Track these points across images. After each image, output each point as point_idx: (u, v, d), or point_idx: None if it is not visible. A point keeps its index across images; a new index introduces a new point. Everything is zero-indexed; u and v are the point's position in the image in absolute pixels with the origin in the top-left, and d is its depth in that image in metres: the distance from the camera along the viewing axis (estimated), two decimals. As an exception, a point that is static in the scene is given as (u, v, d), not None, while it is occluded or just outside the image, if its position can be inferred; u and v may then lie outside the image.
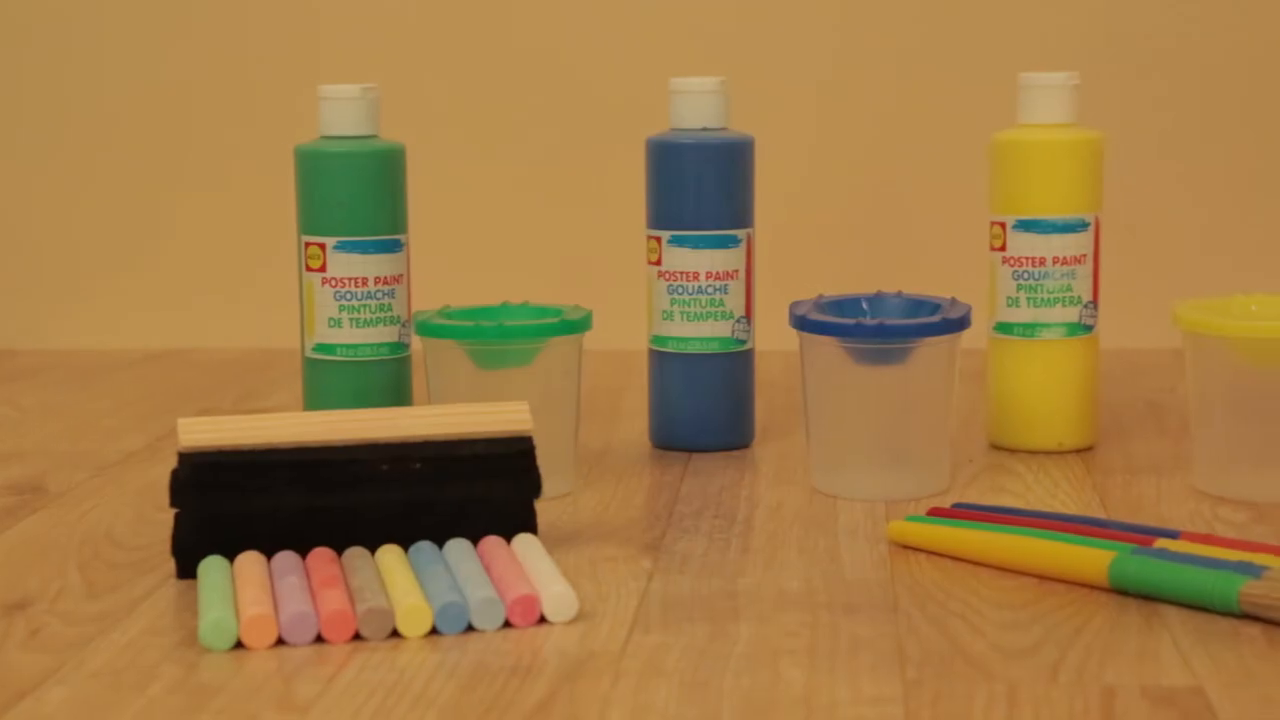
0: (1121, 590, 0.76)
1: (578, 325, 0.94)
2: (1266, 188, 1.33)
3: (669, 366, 1.04)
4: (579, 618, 0.74)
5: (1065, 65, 1.03)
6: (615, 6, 1.38)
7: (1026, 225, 1.00)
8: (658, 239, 1.03)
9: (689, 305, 1.02)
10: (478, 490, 0.81)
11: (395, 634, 0.73)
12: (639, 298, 1.07)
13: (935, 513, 0.87)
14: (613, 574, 0.81)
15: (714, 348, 1.03)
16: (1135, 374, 1.22)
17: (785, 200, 1.28)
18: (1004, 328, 1.02)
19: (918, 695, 0.66)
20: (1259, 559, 0.76)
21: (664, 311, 1.03)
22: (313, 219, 0.97)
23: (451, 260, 1.32)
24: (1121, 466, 0.99)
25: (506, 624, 0.73)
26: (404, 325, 0.98)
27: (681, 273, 1.02)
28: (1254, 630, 0.72)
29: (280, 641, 0.72)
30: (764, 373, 1.15)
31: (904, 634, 0.72)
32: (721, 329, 1.03)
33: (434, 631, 0.73)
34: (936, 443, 0.94)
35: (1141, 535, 0.81)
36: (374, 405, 0.95)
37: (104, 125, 1.41)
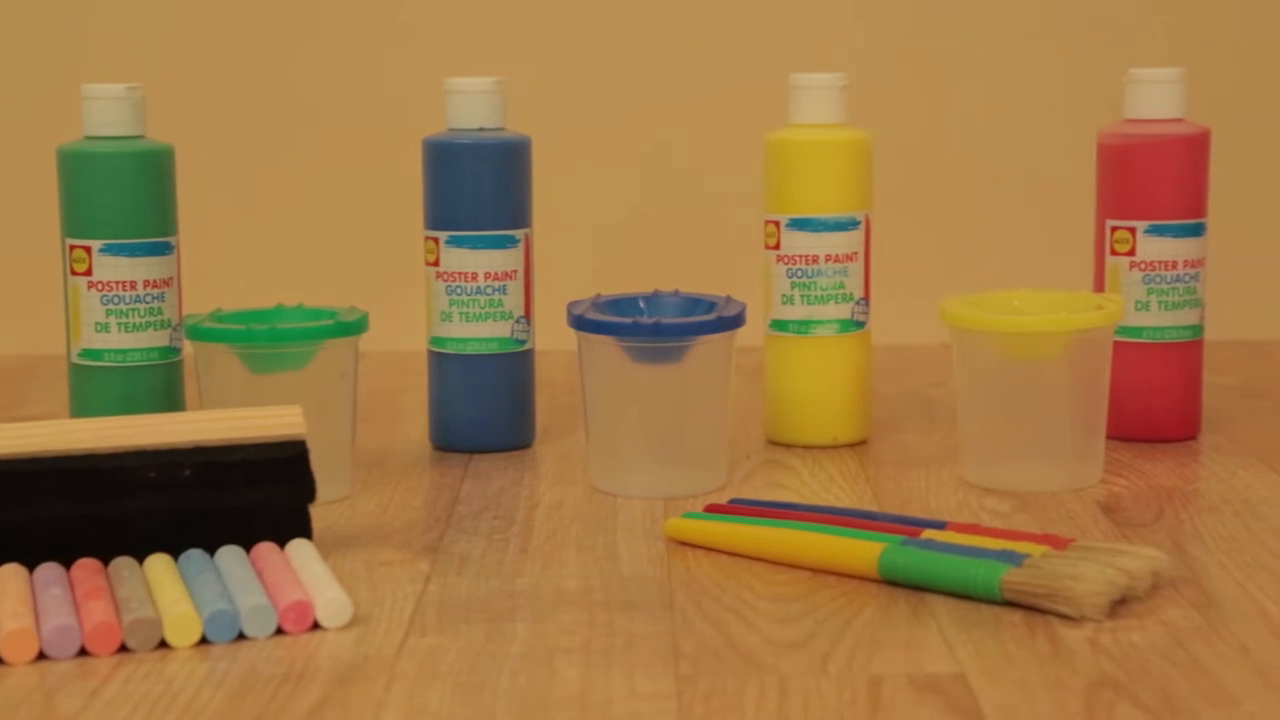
0: (891, 581, 0.78)
1: (353, 327, 0.93)
2: (1029, 186, 1.37)
3: (448, 367, 1.03)
4: (354, 622, 0.74)
5: (835, 66, 1.05)
6: (393, 6, 1.37)
7: (799, 224, 1.02)
8: (435, 240, 1.03)
9: (468, 306, 1.02)
10: (250, 496, 0.80)
11: (164, 644, 0.71)
12: (418, 299, 1.06)
13: (712, 509, 0.88)
14: (389, 577, 0.80)
15: (493, 348, 1.03)
16: (908, 369, 1.25)
17: (564, 200, 1.28)
18: (779, 325, 1.04)
19: (691, 690, 0.66)
20: (1021, 547, 0.78)
21: (443, 312, 1.03)
22: (77, 221, 0.95)
23: (225, 262, 1.30)
24: (893, 459, 1.01)
25: (279, 631, 0.72)
26: (175, 329, 0.96)
27: (460, 273, 1.02)
28: (1015, 617, 0.74)
29: (42, 656, 0.70)
30: (545, 372, 1.15)
31: (679, 630, 0.73)
32: (500, 329, 1.03)
33: (204, 641, 0.71)
34: (714, 440, 0.95)
35: (910, 527, 0.83)
36: (144, 412, 0.93)
37: None
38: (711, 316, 0.93)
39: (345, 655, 0.70)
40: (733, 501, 0.89)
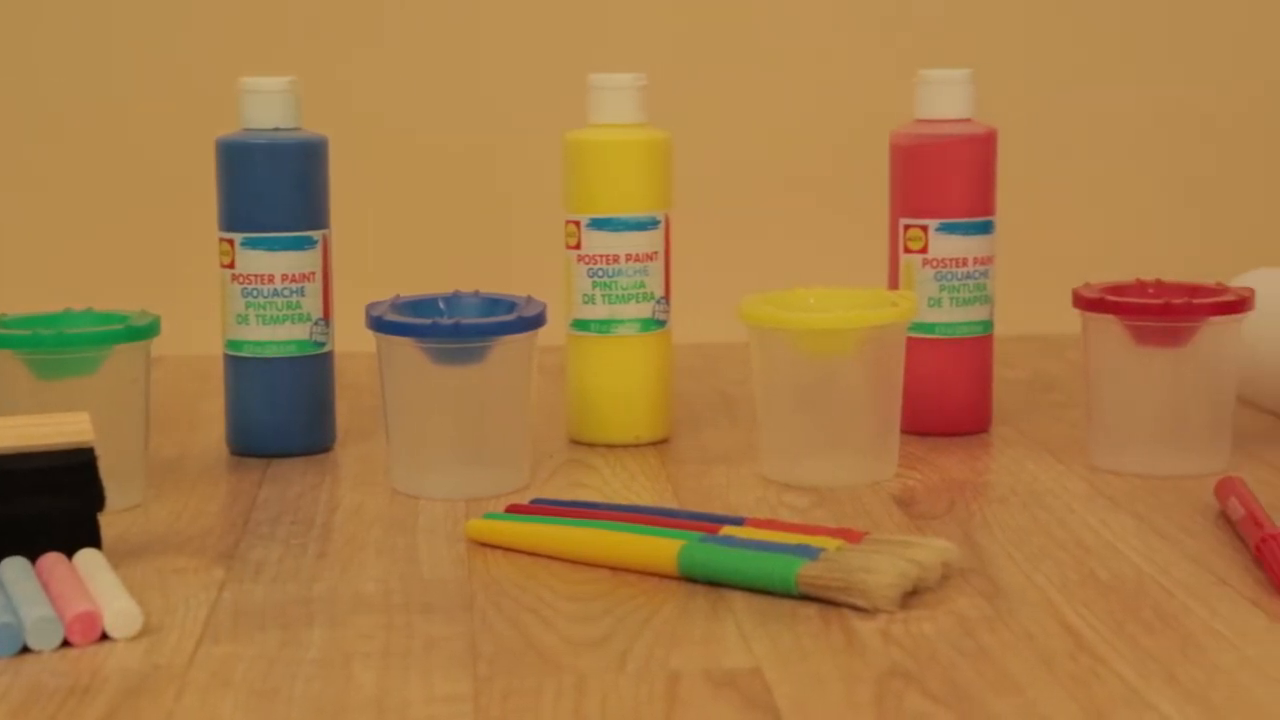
0: (690, 578, 0.79)
1: (144, 331, 0.91)
2: (825, 185, 1.39)
3: (245, 371, 1.02)
4: (144, 632, 0.72)
5: (633, 66, 1.06)
6: (186, 3, 1.34)
7: (600, 224, 1.02)
8: (230, 241, 1.01)
9: (264, 309, 1.00)
10: (36, 506, 0.78)
11: (-56, 660, 0.69)
12: (214, 301, 1.04)
13: (513, 509, 0.88)
14: (183, 585, 0.79)
15: (291, 351, 1.01)
16: (709, 367, 1.26)
17: (362, 200, 1.27)
18: (580, 324, 1.04)
19: (488, 691, 0.66)
20: (817, 541, 0.80)
21: (239, 315, 1.01)
22: None
23: (10, 266, 1.27)
24: (694, 457, 1.02)
25: (66, 643, 0.71)
26: (-42, 335, 0.93)
27: (256, 275, 1.00)
28: (811, 610, 0.75)
29: None
30: (347, 375, 1.14)
31: (478, 631, 0.73)
32: (299, 332, 1.01)
33: (-13, 655, 0.69)
34: (516, 440, 0.95)
35: (709, 524, 0.83)
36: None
37: None
38: (512, 317, 0.93)
39: (135, 666, 0.69)
40: (534, 501, 0.89)
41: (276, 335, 1.01)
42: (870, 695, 0.66)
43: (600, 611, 0.75)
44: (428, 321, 0.93)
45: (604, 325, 1.03)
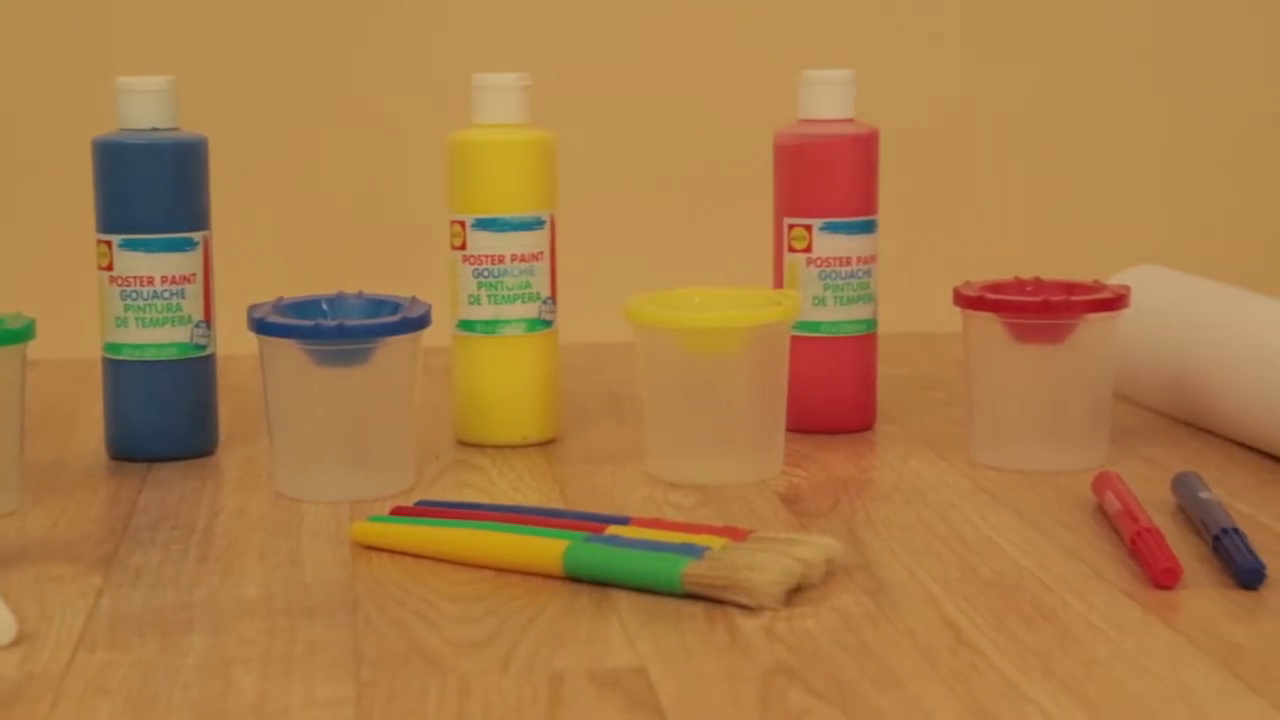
0: (575, 578, 0.79)
1: (19, 335, 0.89)
2: (711, 185, 1.39)
3: (125, 375, 1.00)
4: (19, 641, 0.71)
5: (518, 66, 1.05)
6: (63, 5, 1.32)
7: (485, 224, 1.02)
8: (108, 243, 0.99)
9: (144, 311, 0.99)
10: (-94, 513, 0.76)
11: None
12: (92, 304, 1.02)
13: (398, 511, 0.88)
14: (59, 593, 0.77)
15: (172, 354, 1.00)
16: (597, 366, 1.26)
17: (244, 200, 1.26)
18: (466, 325, 1.03)
19: (371, 695, 0.66)
20: (702, 540, 0.80)
21: (117, 318, 1.00)
22: None
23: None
24: (581, 457, 1.02)
25: (-62, 653, 0.69)
26: None
27: (134, 277, 0.99)
28: (696, 609, 0.75)
29: None
30: (231, 377, 1.13)
31: (361, 634, 0.72)
32: (179, 334, 1.00)
33: None
34: (401, 442, 0.95)
35: (594, 523, 0.83)
36: None
37: None
38: (396, 318, 0.93)
39: (9, 674, 0.68)
40: (419, 503, 0.89)
41: (156, 338, 0.99)
42: (754, 693, 0.66)
43: (484, 613, 0.75)
44: (311, 323, 0.92)
45: (490, 326, 1.03)
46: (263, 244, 1.33)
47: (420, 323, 0.93)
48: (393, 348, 0.92)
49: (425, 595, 0.77)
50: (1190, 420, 1.06)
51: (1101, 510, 0.88)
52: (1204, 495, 0.85)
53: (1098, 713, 0.64)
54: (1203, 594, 0.76)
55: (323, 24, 1.36)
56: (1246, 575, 0.76)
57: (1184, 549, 0.81)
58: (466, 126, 1.04)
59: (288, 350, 0.92)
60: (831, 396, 1.05)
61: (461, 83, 1.05)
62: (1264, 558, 0.78)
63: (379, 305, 0.97)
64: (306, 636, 0.72)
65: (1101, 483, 0.89)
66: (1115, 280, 1.10)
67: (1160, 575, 0.77)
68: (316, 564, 0.82)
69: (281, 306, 0.95)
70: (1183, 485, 0.88)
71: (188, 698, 0.66)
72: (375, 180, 1.36)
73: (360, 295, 0.98)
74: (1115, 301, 0.96)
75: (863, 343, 1.06)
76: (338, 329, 0.91)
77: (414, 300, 0.96)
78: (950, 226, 1.42)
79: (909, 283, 1.26)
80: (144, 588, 0.78)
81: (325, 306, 0.97)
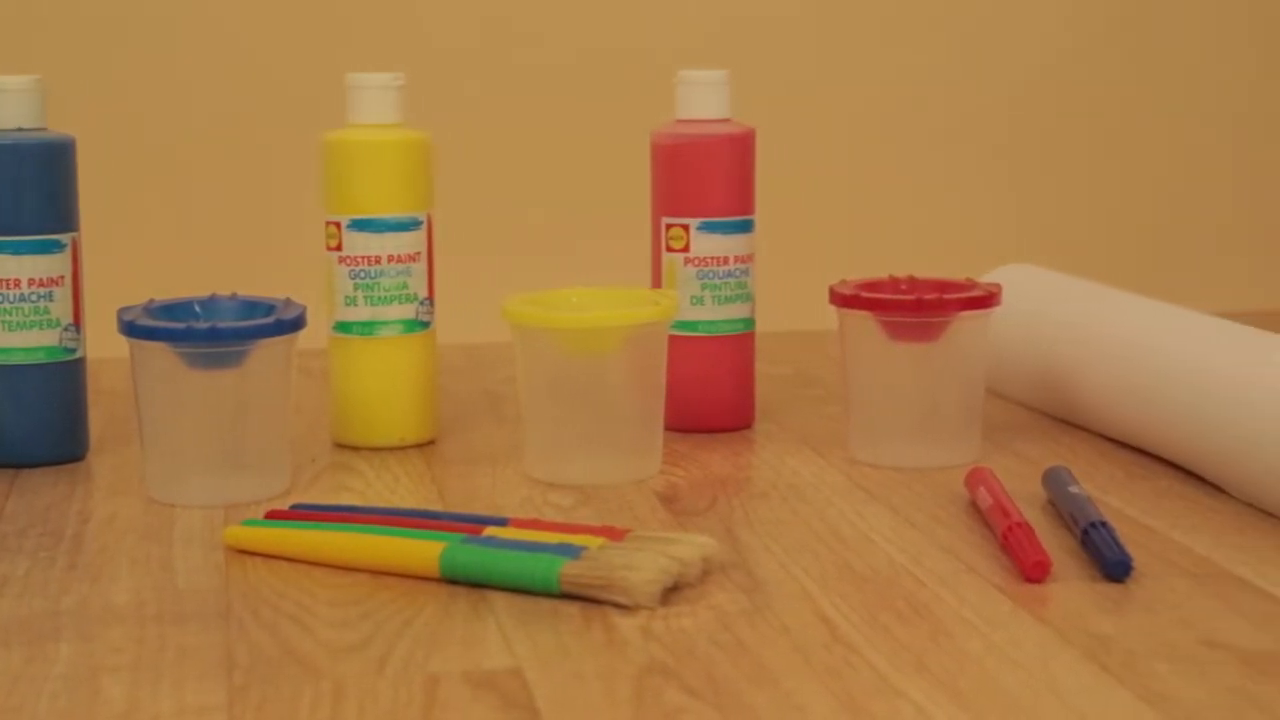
0: (453, 580, 0.78)
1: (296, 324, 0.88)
2: (589, 184, 1.39)
3: (-8, 379, 0.98)
4: (-121, 653, 0.69)
5: (392, 66, 1.05)
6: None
7: (360, 225, 1.01)
8: (-26, 244, 0.98)
9: (10, 314, 0.97)
10: None
11: None
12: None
13: (273, 515, 0.87)
14: (-78, 603, 0.76)
15: (39, 358, 0.98)
16: (477, 367, 1.26)
17: (114, 202, 1.24)
18: (343, 327, 1.03)
19: (243, 701, 0.65)
20: (579, 540, 0.80)
21: (-16, 321, 0.98)
22: None
23: None
24: (460, 458, 1.01)
25: None
26: None
27: (1, 280, 0.97)
28: (573, 609, 0.75)
29: None
30: (104, 380, 1.11)
31: (234, 640, 0.71)
32: (47, 338, 0.98)
33: None
34: (276, 445, 0.94)
35: (472, 525, 0.83)
36: None
37: None
38: (270, 320, 0.92)
39: None
40: (294, 507, 0.88)
41: (24, 342, 0.98)
42: (629, 692, 0.66)
43: (360, 616, 0.74)
44: (183, 325, 0.91)
45: (367, 327, 1.02)
46: (134, 246, 1.31)
47: (295, 324, 0.93)
48: (267, 350, 0.92)
49: (300, 599, 0.77)
50: (1061, 416, 1.07)
51: (975, 506, 0.89)
52: (1073, 489, 0.86)
53: (969, 707, 0.64)
54: (1071, 587, 0.77)
55: (194, 22, 1.34)
56: (1113, 568, 0.78)
57: (1054, 543, 0.82)
58: (341, 126, 1.03)
59: (159, 353, 0.91)
60: (710, 395, 1.06)
61: (336, 82, 1.04)
62: (1131, 551, 0.80)
63: (253, 307, 0.96)
64: (177, 643, 0.71)
65: (974, 478, 0.90)
66: (987, 279, 1.12)
67: (1030, 569, 0.78)
68: (189, 569, 0.81)
69: (153, 309, 0.94)
70: (1053, 480, 0.89)
71: (54, 708, 0.64)
72: (250, 181, 1.35)
73: (234, 297, 0.97)
74: (987, 299, 0.97)
75: (740, 341, 1.07)
76: (210, 331, 0.90)
77: (289, 302, 0.95)
78: (827, 226, 1.44)
79: (786, 281, 1.27)
80: (10, 596, 0.77)
81: (198, 309, 0.96)
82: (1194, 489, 0.92)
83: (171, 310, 0.95)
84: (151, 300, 0.95)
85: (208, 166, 1.35)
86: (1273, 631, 0.72)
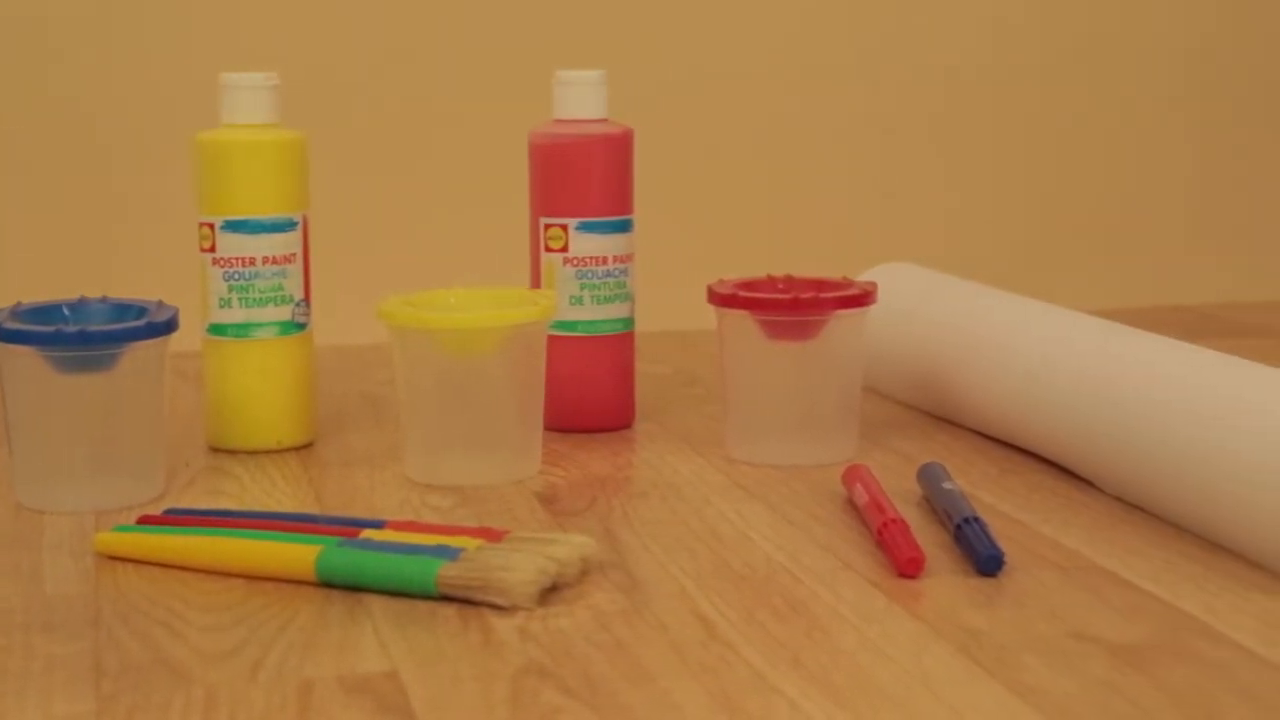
0: (329, 583, 0.78)
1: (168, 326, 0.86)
2: (467, 185, 1.39)
3: None
4: None
5: (267, 66, 1.04)
6: None
7: (234, 226, 1.00)
8: None
9: (-127, 317, 0.95)
10: None
11: None
12: None
13: (145, 520, 0.86)
14: None
15: (-96, 362, 0.96)
16: (355, 368, 1.25)
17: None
18: (217, 329, 1.01)
19: (112, 709, 0.64)
20: (457, 541, 0.79)
21: None
22: None
23: None
24: (338, 460, 1.00)
25: None
26: None
27: None
28: (450, 611, 0.75)
29: None
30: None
31: (103, 648, 0.70)
32: (-88, 341, 0.96)
33: None
34: (148, 449, 0.92)
35: (349, 528, 0.82)
36: None
37: None
38: (141, 323, 0.91)
39: None
40: (167, 512, 0.87)
41: (-113, 346, 0.95)
42: (506, 693, 0.66)
43: (233, 621, 0.74)
44: (51, 329, 0.89)
45: (241, 329, 1.01)
46: (3, 248, 1.29)
47: (167, 327, 0.91)
48: (138, 353, 0.90)
49: (172, 605, 0.76)
50: (937, 413, 1.09)
51: (851, 502, 0.90)
52: (947, 485, 0.87)
53: (843, 701, 0.65)
54: (945, 581, 0.78)
55: (72, 21, 1.32)
56: (985, 563, 0.79)
57: (928, 538, 0.83)
58: (214, 126, 1.02)
59: (27, 358, 0.89)
60: (590, 395, 1.06)
61: (211, 82, 1.02)
62: (1003, 545, 0.81)
63: (124, 310, 0.94)
64: (45, 651, 0.70)
65: (851, 475, 0.90)
66: (864, 277, 1.13)
67: (904, 565, 0.79)
68: (57, 577, 0.80)
69: (20, 312, 0.92)
70: (927, 476, 0.90)
71: (-84, 719, 0.63)
72: (121, 181, 1.33)
73: (104, 300, 0.95)
74: (863, 298, 0.98)
75: (620, 341, 1.07)
76: (79, 334, 0.89)
77: (160, 304, 0.94)
78: (705, 225, 1.44)
79: (666, 281, 1.27)
80: (-128, 607, 0.75)
81: (67, 311, 0.94)
82: (1065, 484, 0.94)
83: (40, 313, 0.93)
84: (19, 303, 0.94)
85: (80, 165, 1.32)
86: (1140, 623, 0.73)
